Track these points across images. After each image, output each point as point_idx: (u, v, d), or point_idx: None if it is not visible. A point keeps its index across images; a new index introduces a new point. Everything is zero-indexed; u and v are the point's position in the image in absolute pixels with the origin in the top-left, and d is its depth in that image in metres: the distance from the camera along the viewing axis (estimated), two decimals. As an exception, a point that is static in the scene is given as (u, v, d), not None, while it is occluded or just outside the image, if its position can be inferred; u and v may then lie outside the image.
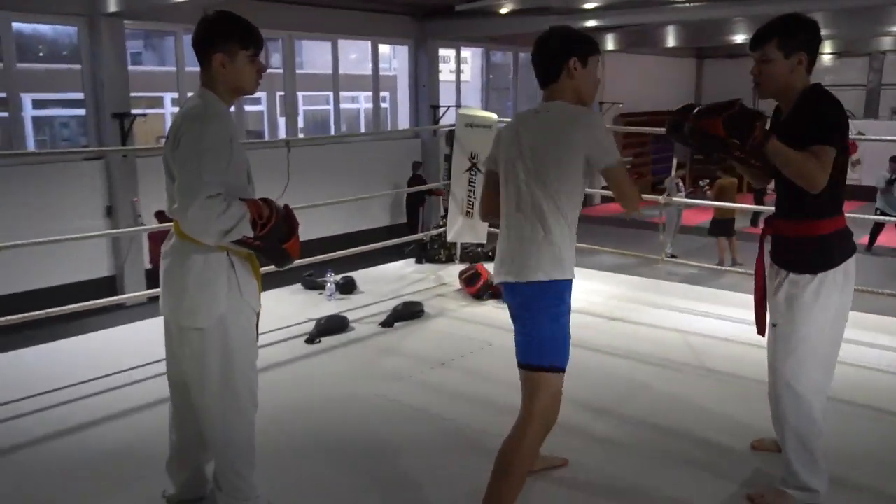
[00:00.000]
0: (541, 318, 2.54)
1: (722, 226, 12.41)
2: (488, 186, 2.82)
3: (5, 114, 10.25)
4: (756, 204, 13.77)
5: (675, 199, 6.63)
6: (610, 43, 17.69)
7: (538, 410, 2.54)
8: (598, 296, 5.40)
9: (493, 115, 6.10)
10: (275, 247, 2.50)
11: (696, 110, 2.68)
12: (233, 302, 2.49)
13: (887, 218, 11.88)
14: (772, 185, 2.94)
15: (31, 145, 13.49)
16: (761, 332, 2.90)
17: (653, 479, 2.97)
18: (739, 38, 15.85)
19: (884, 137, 13.72)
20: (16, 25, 10.18)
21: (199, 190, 2.32)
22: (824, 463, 2.76)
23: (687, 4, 11.91)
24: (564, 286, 2.56)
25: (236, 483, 2.55)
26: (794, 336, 2.69)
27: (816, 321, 2.66)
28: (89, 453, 3.21)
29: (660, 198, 6.52)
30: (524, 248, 2.54)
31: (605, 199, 18.30)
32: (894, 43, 18.34)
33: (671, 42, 16.86)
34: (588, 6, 12.83)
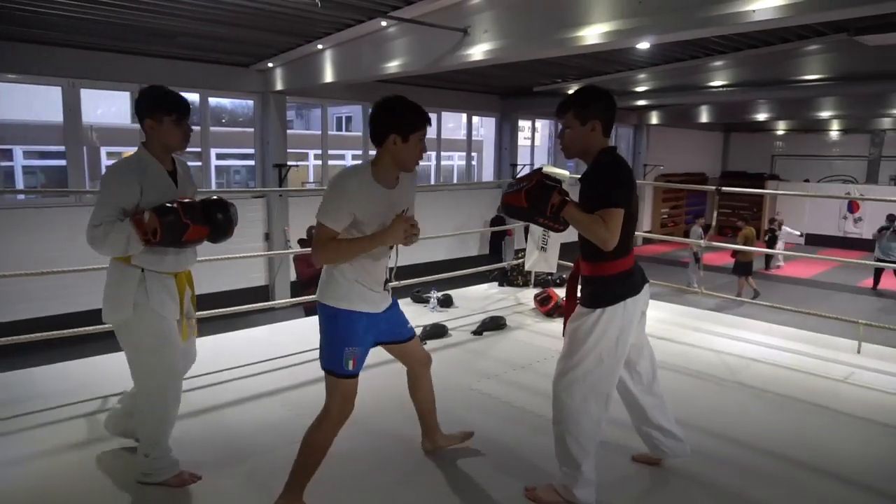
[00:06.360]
0: None
1: (743, 267, 11.89)
2: None
3: (199, 163, 10.69)
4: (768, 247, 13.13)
5: (702, 242, 6.30)
6: (654, 118, 17.29)
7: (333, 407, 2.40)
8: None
9: (567, 172, 5.92)
10: (173, 240, 2.46)
11: (507, 185, 2.44)
12: (139, 309, 2.44)
13: (883, 264, 11.14)
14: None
15: (213, 186, 14.05)
16: None
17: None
18: (762, 115, 15.25)
19: (881, 198, 13.22)
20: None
21: None
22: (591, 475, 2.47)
23: (718, 89, 11.52)
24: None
25: (147, 439, 2.54)
26: (571, 359, 2.43)
27: (591, 350, 2.38)
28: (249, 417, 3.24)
29: (690, 241, 6.24)
30: None
31: (644, 241, 17.81)
32: (892, 123, 17.23)
33: (704, 118, 16.32)
34: (638, 89, 12.57)
